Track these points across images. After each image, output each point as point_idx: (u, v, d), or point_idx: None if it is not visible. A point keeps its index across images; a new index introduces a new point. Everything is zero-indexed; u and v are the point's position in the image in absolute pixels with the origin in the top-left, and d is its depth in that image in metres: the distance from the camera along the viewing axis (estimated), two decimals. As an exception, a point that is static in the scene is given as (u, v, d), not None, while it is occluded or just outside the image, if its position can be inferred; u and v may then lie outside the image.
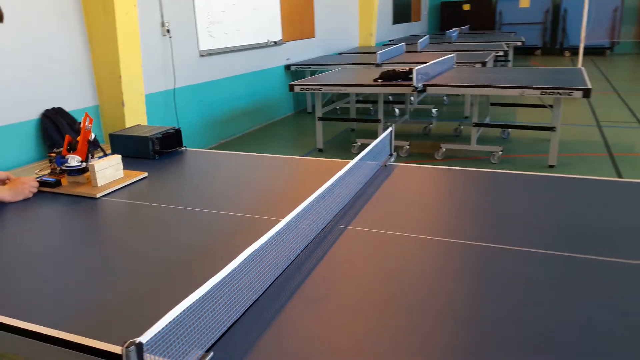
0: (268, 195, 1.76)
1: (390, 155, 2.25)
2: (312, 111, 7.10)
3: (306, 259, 1.28)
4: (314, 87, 4.76)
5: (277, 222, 1.23)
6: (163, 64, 4.68)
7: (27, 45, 3.40)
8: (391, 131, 2.26)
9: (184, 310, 0.86)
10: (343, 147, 5.29)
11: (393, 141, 2.29)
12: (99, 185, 1.87)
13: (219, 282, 0.95)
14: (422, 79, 4.56)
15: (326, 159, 2.21)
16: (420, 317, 1.02)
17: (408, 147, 4.90)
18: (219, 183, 1.92)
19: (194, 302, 0.89)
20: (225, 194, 1.79)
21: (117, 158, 1.96)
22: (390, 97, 7.08)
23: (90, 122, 1.94)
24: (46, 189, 1.87)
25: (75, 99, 3.77)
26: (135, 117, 4.08)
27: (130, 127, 2.48)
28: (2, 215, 1.67)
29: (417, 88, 4.37)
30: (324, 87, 4.75)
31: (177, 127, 2.40)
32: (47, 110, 3.44)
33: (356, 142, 5.06)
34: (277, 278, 1.18)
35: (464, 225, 1.45)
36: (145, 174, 2.03)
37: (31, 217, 1.64)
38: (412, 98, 6.81)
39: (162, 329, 0.81)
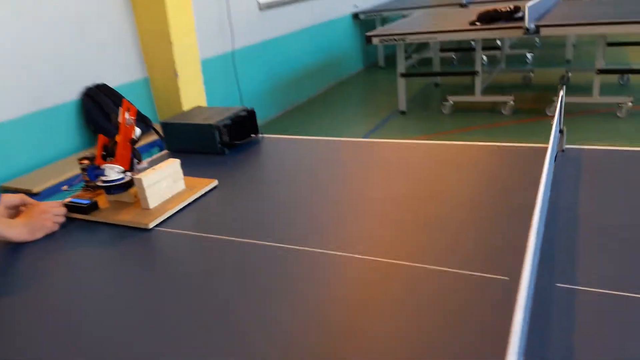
0: (403, 218, 1.09)
1: (561, 132, 1.52)
2: (384, 65, 6.29)
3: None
4: (396, 36, 3.96)
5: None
6: (219, 23, 4.03)
7: (60, 13, 2.82)
8: (562, 96, 1.52)
9: None
10: (429, 108, 4.51)
11: (563, 111, 1.56)
12: (150, 207, 1.26)
13: None
14: (533, 19, 3.67)
15: (470, 143, 1.50)
16: None
17: (512, 102, 4.07)
18: (317, 191, 1.27)
19: None
20: (335, 215, 1.13)
21: (175, 164, 1.34)
22: (472, 42, 6.15)
23: (133, 114, 1.33)
24: (78, 216, 1.29)
25: (120, 73, 3.20)
26: (192, 88, 3.48)
27: (187, 111, 1.86)
28: (9, 263, 1.10)
29: (528, 30, 3.51)
30: (409, 37, 3.95)
31: (249, 108, 1.76)
32: (88, 89, 2.89)
33: (447, 101, 4.26)
34: None
35: None
36: (215, 183, 1.41)
37: (50, 269, 1.06)
38: (498, 42, 5.85)
39: None
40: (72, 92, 2.88)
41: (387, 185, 1.27)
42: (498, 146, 1.46)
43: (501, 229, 1.00)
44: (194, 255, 1.06)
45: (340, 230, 1.08)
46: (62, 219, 1.25)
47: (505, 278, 0.86)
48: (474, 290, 0.83)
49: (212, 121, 1.66)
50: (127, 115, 1.32)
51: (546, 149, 1.40)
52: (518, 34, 3.59)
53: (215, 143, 1.66)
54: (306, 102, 5.17)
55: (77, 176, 2.56)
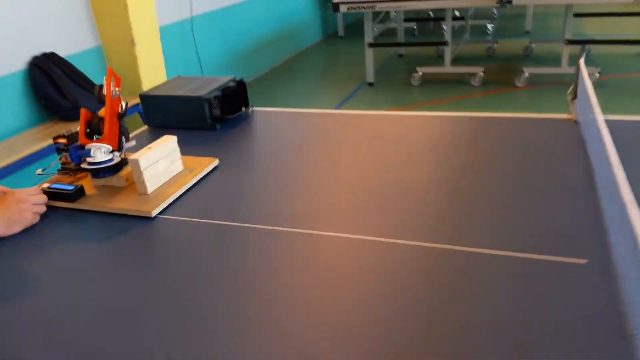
0: (443, 199, 0.98)
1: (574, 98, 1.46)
2: (344, 35, 6.13)
3: None
4: (365, 4, 3.81)
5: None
6: (175, -13, 3.74)
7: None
8: (582, 65, 1.44)
9: None
10: (397, 79, 4.42)
11: (581, 78, 1.49)
12: (149, 192, 1.09)
13: None
14: (504, -13, 3.61)
15: (489, 114, 1.41)
16: None
17: (482, 74, 4.04)
18: (328, 168, 1.14)
19: None
20: (355, 196, 1.01)
21: (172, 142, 1.17)
22: (430, 12, 6.09)
23: (118, 84, 1.14)
24: (61, 204, 1.10)
25: (70, 41, 2.90)
26: (150, 57, 3.21)
27: (168, 82, 1.66)
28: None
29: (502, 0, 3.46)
30: (379, 5, 3.81)
31: (239, 79, 1.59)
32: (35, 58, 2.59)
33: (416, 72, 4.18)
34: None
35: None
36: (217, 162, 1.25)
37: (34, 268, 0.88)
38: (456, 13, 5.80)
39: None
40: (17, 62, 2.57)
41: (410, 161, 1.16)
42: (517, 118, 1.37)
43: (561, 208, 0.91)
44: (207, 247, 0.91)
45: (371, 212, 0.96)
46: (42, 209, 1.06)
47: (582, 261, 0.77)
48: (553, 275, 0.74)
49: (201, 93, 1.48)
50: (112, 87, 1.13)
51: (571, 119, 1.34)
52: (491, 3, 3.53)
53: (206, 118, 1.48)
54: (267, 73, 4.96)
55: (32, 155, 2.30)
